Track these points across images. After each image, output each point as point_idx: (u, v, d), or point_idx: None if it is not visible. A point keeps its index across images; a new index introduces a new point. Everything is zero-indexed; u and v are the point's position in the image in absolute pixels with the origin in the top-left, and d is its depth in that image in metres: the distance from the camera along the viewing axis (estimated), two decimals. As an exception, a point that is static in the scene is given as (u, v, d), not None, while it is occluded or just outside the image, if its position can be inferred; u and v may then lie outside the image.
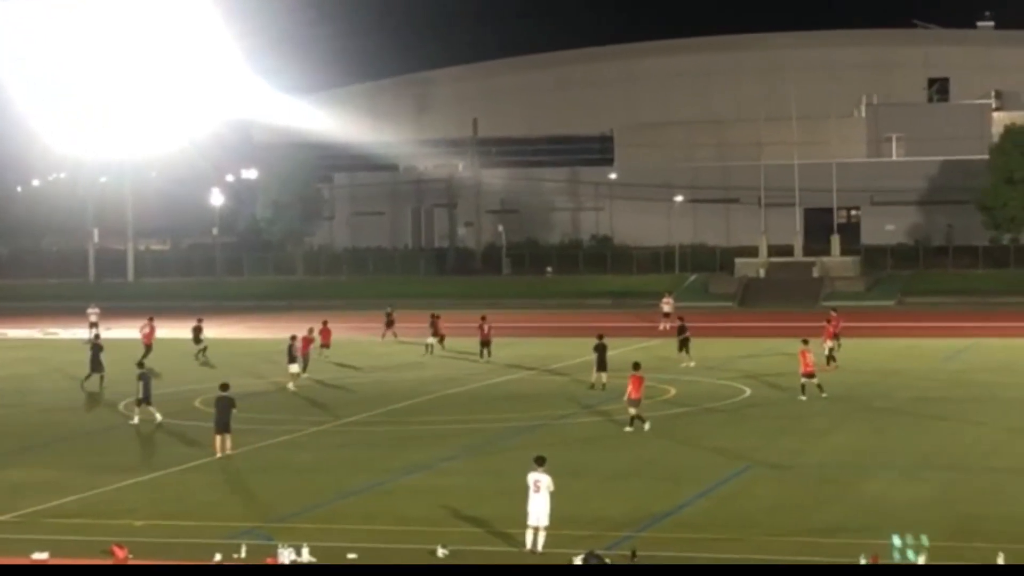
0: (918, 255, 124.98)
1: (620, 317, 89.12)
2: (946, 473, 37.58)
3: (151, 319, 70.84)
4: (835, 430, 45.47)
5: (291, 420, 48.46)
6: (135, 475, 38.45)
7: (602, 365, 56.31)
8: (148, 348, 67.20)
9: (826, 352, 61.97)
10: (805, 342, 53.61)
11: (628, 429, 44.94)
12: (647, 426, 45.03)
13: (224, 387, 41.98)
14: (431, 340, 71.05)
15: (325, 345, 68.09)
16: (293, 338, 58.56)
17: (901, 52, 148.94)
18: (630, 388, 45.35)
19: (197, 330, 70.64)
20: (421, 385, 58.29)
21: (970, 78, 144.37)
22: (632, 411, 45.26)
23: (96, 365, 57.82)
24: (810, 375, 52.50)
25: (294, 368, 57.59)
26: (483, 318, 69.43)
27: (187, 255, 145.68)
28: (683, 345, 65.65)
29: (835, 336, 64.62)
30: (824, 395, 52.00)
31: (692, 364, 63.52)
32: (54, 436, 46.13)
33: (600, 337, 58.15)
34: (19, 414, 52.40)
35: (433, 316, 72.53)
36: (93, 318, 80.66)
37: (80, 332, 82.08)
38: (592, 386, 55.77)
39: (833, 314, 67.84)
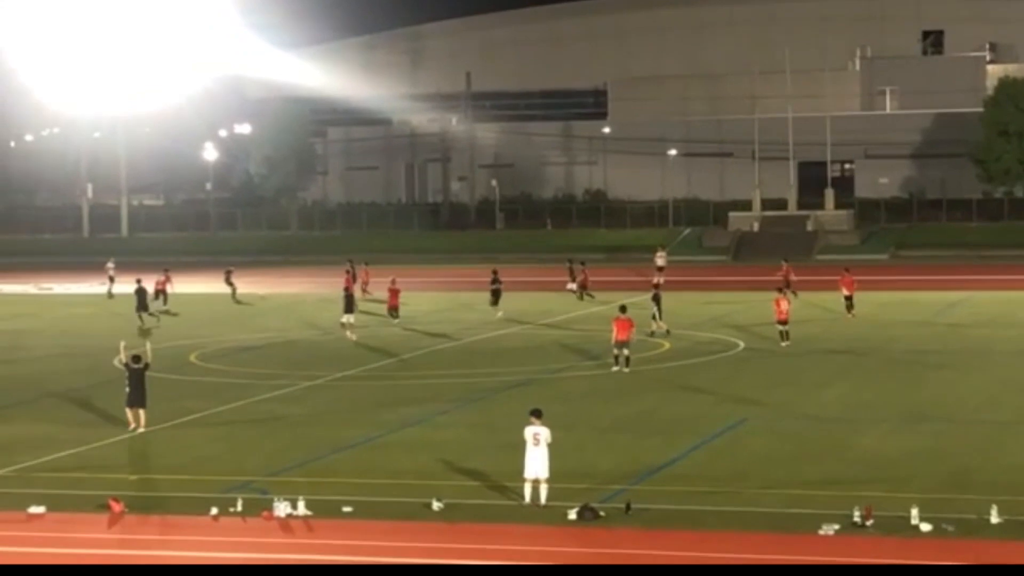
0: (912, 208, 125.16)
1: (614, 271, 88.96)
2: (939, 425, 37.67)
3: (167, 271, 74.25)
4: (829, 383, 45.58)
5: (285, 375, 48.53)
6: (130, 430, 38.42)
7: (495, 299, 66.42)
8: (158, 293, 71.05)
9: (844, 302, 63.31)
10: (780, 291, 55.90)
11: (615, 368, 47.37)
12: (627, 370, 47.02)
13: (136, 359, 38.18)
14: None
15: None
16: (347, 289, 62.66)
17: (895, 4, 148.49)
18: (616, 330, 47.28)
19: (156, 287, 71.87)
20: (412, 340, 58.31)
21: (964, 30, 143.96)
22: (618, 352, 47.39)
23: (142, 305, 64.61)
24: (783, 322, 53.86)
25: (348, 318, 58.95)
26: (494, 271, 69.87)
27: (181, 210, 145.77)
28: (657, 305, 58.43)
29: (787, 286, 65.11)
30: (785, 343, 53.65)
31: (663, 327, 57.45)
32: (47, 391, 46.07)
33: (494, 278, 66.77)
34: (13, 369, 52.46)
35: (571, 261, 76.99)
36: (111, 272, 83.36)
37: (82, 287, 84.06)
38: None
39: (784, 264, 69.23)
